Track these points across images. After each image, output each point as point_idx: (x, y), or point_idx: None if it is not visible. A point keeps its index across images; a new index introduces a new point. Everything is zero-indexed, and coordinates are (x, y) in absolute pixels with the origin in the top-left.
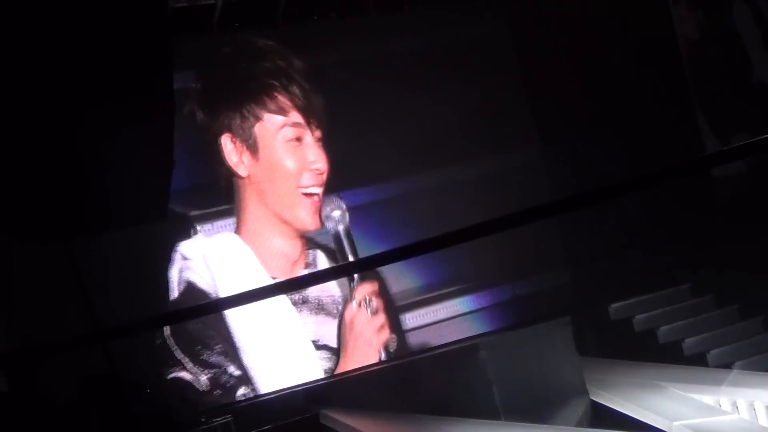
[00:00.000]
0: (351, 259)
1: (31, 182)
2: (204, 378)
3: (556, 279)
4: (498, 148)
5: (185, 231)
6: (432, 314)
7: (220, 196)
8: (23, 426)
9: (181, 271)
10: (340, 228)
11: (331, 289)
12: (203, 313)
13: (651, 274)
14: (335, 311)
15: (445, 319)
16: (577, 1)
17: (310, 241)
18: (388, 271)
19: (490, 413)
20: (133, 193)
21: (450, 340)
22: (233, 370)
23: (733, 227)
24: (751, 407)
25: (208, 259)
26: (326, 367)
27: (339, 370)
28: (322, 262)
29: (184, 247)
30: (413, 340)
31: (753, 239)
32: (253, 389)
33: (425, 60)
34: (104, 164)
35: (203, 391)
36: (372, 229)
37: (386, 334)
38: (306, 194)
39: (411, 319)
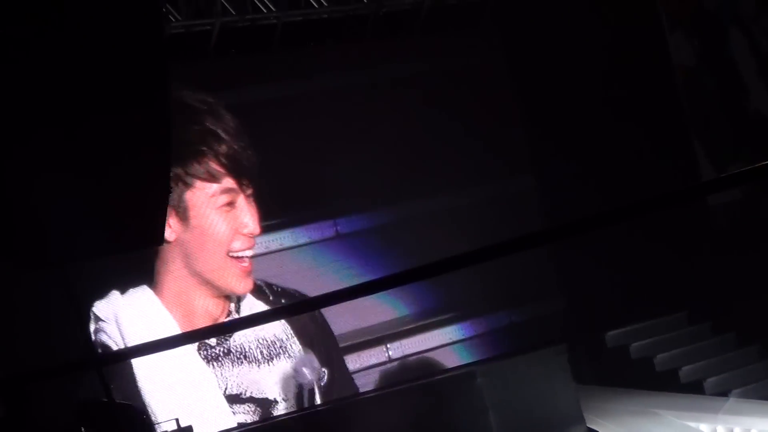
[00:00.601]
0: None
1: (25, 207)
2: None
3: (553, 306)
4: (492, 175)
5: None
6: (427, 341)
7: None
8: None
9: (95, 332)
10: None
11: (257, 333)
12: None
13: (648, 302)
14: (260, 356)
15: (439, 346)
16: (573, 30)
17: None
18: (381, 297)
19: None
20: (128, 219)
21: (446, 367)
22: None
23: (729, 255)
24: None
25: (120, 319)
26: (251, 420)
27: None
28: (246, 307)
29: (98, 307)
30: (408, 367)
31: (749, 267)
32: None
33: (421, 87)
34: (99, 189)
35: None
36: (365, 256)
37: None
38: (236, 258)
39: (406, 347)
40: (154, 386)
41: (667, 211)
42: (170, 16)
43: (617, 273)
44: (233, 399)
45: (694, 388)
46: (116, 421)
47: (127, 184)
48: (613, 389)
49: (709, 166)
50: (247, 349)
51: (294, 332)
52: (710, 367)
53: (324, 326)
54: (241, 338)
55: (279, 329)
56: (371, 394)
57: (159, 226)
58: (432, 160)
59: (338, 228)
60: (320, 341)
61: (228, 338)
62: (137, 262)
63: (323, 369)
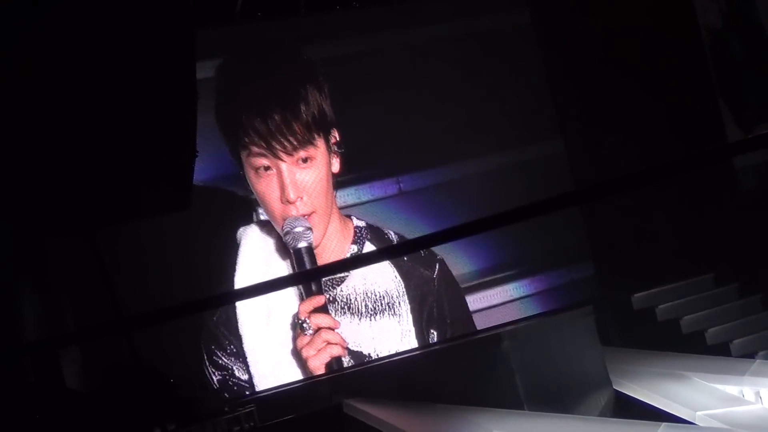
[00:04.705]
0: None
1: (51, 172)
2: (215, 378)
3: (579, 269)
4: (522, 139)
5: (247, 215)
6: (487, 299)
7: None
8: (48, 414)
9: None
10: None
11: (367, 286)
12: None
13: (674, 263)
14: (364, 310)
15: (500, 303)
16: None
17: (359, 231)
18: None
19: (513, 403)
20: (155, 182)
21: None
22: (241, 374)
23: (756, 216)
24: None
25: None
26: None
27: None
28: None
29: (240, 231)
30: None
31: None
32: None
33: (451, 49)
34: (125, 153)
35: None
36: (428, 213)
37: (326, 355)
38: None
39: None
40: (256, 324)
41: (694, 172)
42: None
43: (644, 235)
44: None
45: (720, 349)
46: (144, 386)
47: (154, 147)
48: (640, 351)
49: (736, 128)
50: (352, 300)
51: (407, 291)
52: (737, 329)
53: (446, 285)
54: (349, 289)
55: (392, 285)
56: (396, 358)
57: (186, 189)
58: (466, 123)
59: (401, 185)
60: (435, 302)
61: (337, 286)
62: None
63: (432, 331)
